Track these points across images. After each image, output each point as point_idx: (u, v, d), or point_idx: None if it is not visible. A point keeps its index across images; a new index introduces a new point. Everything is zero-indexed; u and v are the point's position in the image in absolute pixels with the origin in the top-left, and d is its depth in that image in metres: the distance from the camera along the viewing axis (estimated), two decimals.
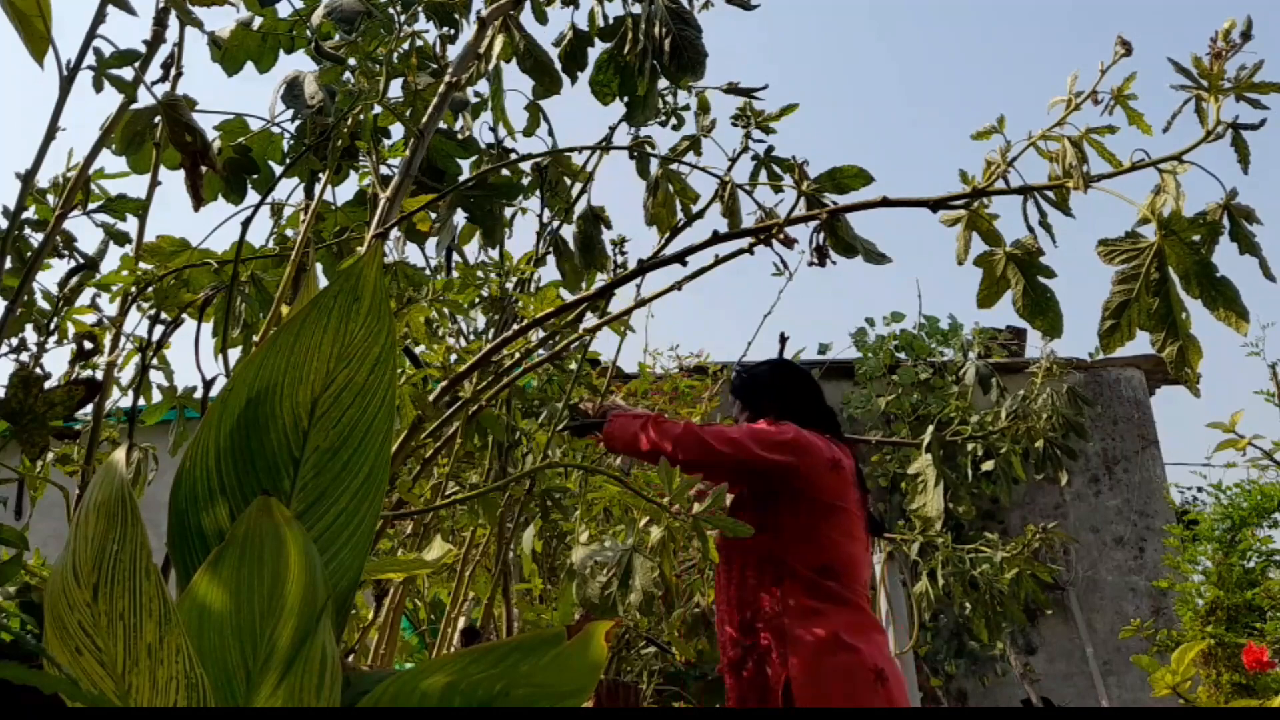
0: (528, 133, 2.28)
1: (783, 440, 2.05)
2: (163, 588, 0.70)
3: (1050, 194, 1.52)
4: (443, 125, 2.03)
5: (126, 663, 0.70)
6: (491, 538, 2.14)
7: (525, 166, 2.28)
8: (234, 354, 1.74)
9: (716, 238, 1.72)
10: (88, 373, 1.70)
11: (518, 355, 2.09)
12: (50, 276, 1.78)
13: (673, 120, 2.18)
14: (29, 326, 1.68)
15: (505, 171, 2.16)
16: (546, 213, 2.32)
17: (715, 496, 1.53)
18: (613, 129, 2.24)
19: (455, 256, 2.30)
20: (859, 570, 2.09)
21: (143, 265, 1.72)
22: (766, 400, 2.24)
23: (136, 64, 1.34)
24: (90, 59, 1.26)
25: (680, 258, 1.72)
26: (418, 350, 1.94)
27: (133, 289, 1.71)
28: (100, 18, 1.27)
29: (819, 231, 1.67)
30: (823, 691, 1.91)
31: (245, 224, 1.63)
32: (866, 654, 1.96)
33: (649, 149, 2.16)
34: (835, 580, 2.01)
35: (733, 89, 2.17)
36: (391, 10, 1.88)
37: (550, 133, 2.28)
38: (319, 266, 1.75)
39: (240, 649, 0.74)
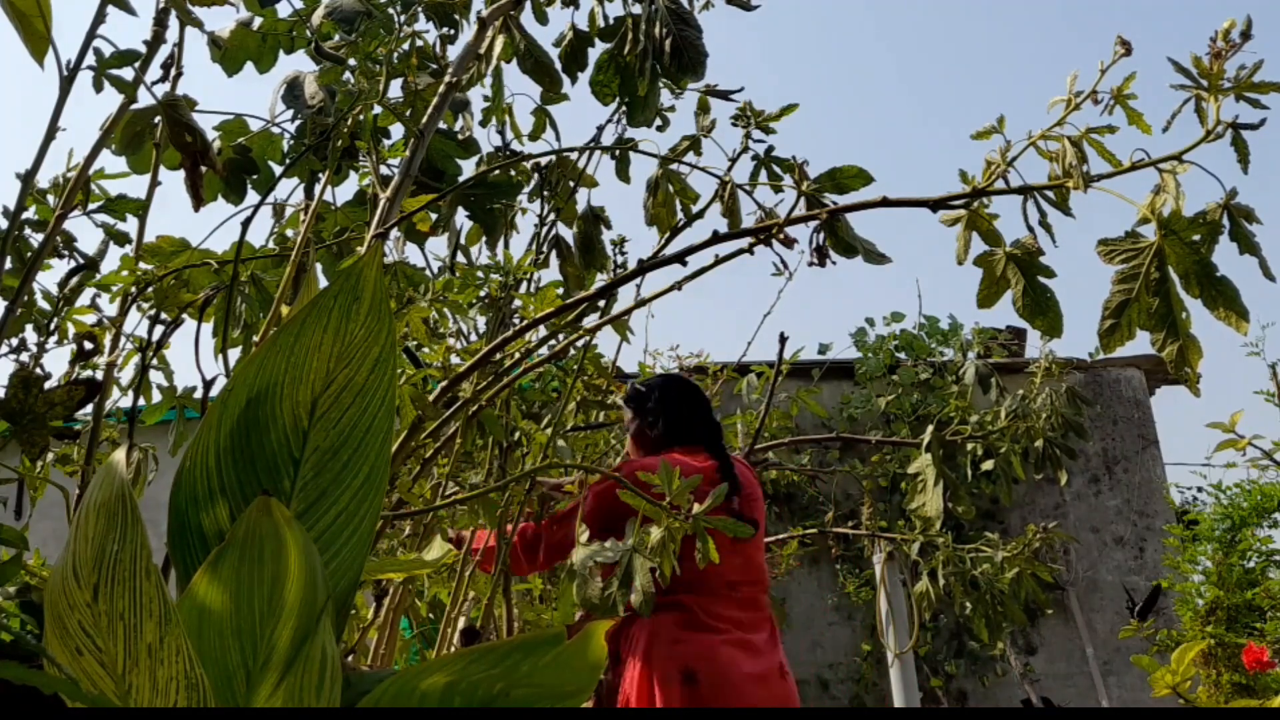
0: (534, 136, 2.29)
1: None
2: (163, 588, 0.70)
3: (1050, 194, 1.52)
4: (443, 125, 2.03)
5: (126, 663, 0.70)
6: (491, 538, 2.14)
7: (527, 166, 2.29)
8: (234, 354, 1.74)
9: (716, 238, 1.72)
10: (88, 373, 1.70)
11: (518, 355, 2.09)
12: (50, 276, 1.78)
13: (657, 121, 2.18)
14: (29, 326, 1.68)
15: (509, 171, 2.16)
16: (547, 214, 2.32)
17: (715, 496, 1.53)
18: (600, 129, 2.25)
19: (459, 256, 2.30)
20: (699, 580, 2.09)
21: (143, 265, 1.72)
22: (650, 410, 2.36)
23: (136, 64, 1.34)
24: (90, 59, 1.26)
25: (680, 258, 1.72)
26: (418, 350, 1.94)
27: (133, 289, 1.71)
28: (100, 18, 1.27)
29: (819, 231, 1.67)
30: (634, 685, 2.01)
31: (245, 224, 1.63)
32: (682, 651, 2.03)
33: (639, 148, 2.16)
34: (675, 593, 2.05)
35: (711, 91, 2.18)
36: (391, 10, 1.88)
37: (557, 136, 2.29)
38: (319, 266, 1.75)
39: (240, 649, 0.74)
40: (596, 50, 2.15)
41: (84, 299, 1.74)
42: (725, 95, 2.15)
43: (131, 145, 1.65)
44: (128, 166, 1.74)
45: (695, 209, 2.17)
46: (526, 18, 2.14)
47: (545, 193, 2.32)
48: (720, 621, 2.10)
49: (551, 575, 2.83)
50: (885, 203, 1.63)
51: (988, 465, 4.09)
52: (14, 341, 1.64)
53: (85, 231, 2.11)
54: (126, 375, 1.83)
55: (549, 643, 0.75)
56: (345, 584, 0.83)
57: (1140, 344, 1.46)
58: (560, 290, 2.05)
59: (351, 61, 1.85)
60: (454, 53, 2.00)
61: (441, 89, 1.84)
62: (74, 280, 1.70)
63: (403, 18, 1.88)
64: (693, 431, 2.35)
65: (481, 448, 2.13)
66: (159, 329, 1.78)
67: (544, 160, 2.27)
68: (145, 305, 1.74)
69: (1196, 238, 1.40)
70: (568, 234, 2.34)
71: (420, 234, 2.00)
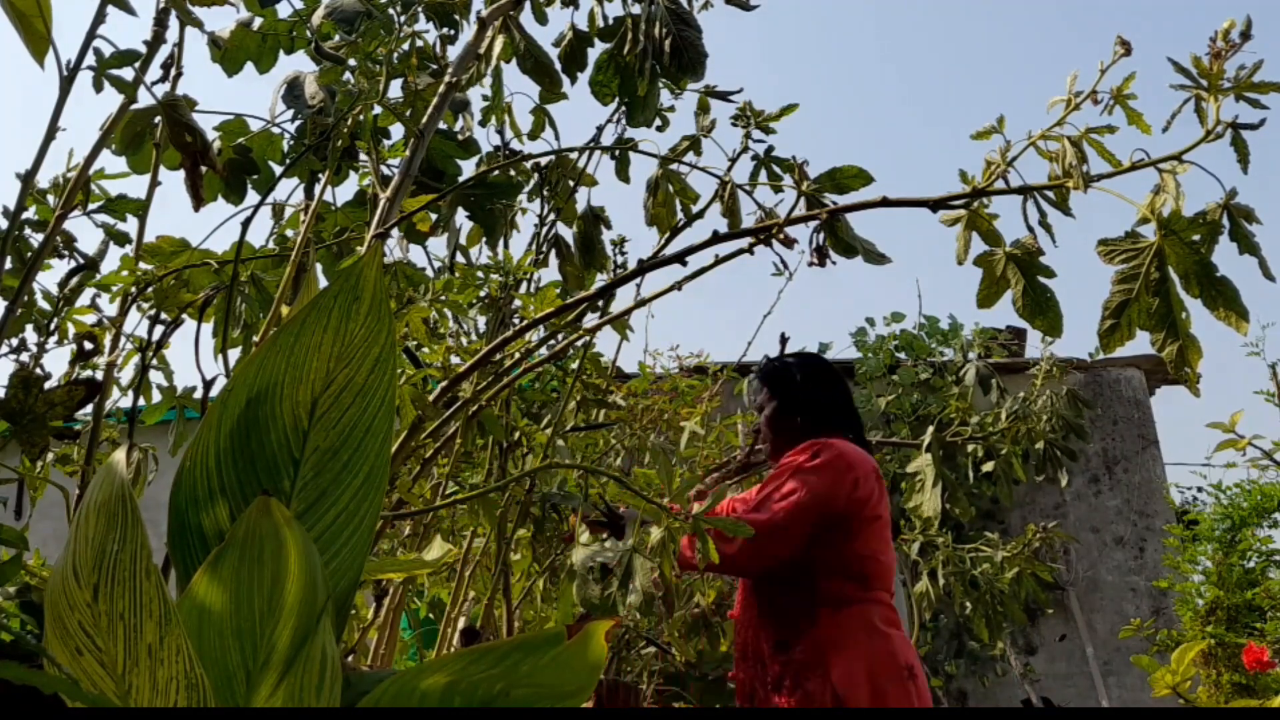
0: (533, 135, 2.28)
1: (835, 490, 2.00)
2: (163, 588, 0.70)
3: (1050, 194, 1.52)
4: (443, 125, 2.03)
5: (127, 663, 0.70)
6: (491, 538, 2.14)
7: (527, 166, 2.29)
8: (234, 354, 1.74)
9: (716, 238, 1.72)
10: (88, 373, 1.70)
11: (518, 355, 2.09)
12: (50, 276, 1.79)
13: (657, 121, 2.18)
14: (29, 326, 1.68)
15: (510, 171, 2.16)
16: (549, 214, 2.32)
17: (715, 497, 1.53)
18: (600, 129, 2.24)
19: (458, 256, 2.30)
20: (888, 574, 2.09)
21: (143, 265, 1.72)
22: (796, 394, 2.19)
23: (136, 64, 1.34)
24: (90, 59, 1.26)
25: (680, 258, 1.72)
26: (418, 350, 1.94)
27: (133, 289, 1.71)
28: (100, 18, 1.27)
29: (819, 231, 1.67)
30: (855, 680, 1.89)
31: (245, 224, 1.63)
32: (898, 646, 1.97)
33: (639, 149, 2.16)
34: (865, 583, 2.02)
35: (710, 92, 2.18)
36: (391, 10, 1.88)
37: (557, 136, 2.29)
38: (319, 266, 1.74)
39: (240, 649, 0.74)
40: (596, 50, 2.15)
41: (84, 299, 1.74)
42: (725, 96, 2.15)
43: (131, 145, 1.65)
44: (128, 166, 1.75)
45: (695, 209, 2.17)
46: (526, 18, 2.14)
47: (545, 193, 2.32)
48: (897, 617, 2.07)
49: (551, 575, 2.83)
50: (885, 203, 1.63)
51: (988, 467, 4.09)
52: (14, 341, 1.64)
53: (85, 231, 2.11)
54: (126, 375, 1.83)
55: (549, 643, 0.75)
56: (345, 584, 0.83)
57: (1140, 344, 1.46)
58: (560, 290, 2.05)
59: (351, 61, 1.84)
60: (454, 53, 2.00)
61: (441, 89, 1.84)
62: (74, 280, 1.70)
63: (403, 18, 1.88)
64: (841, 420, 2.20)
65: (481, 448, 2.13)
66: (159, 329, 1.78)
67: (544, 160, 2.27)
68: (145, 305, 1.74)
69: (1196, 238, 1.40)
70: (568, 234, 2.34)
71: (420, 234, 2.00)
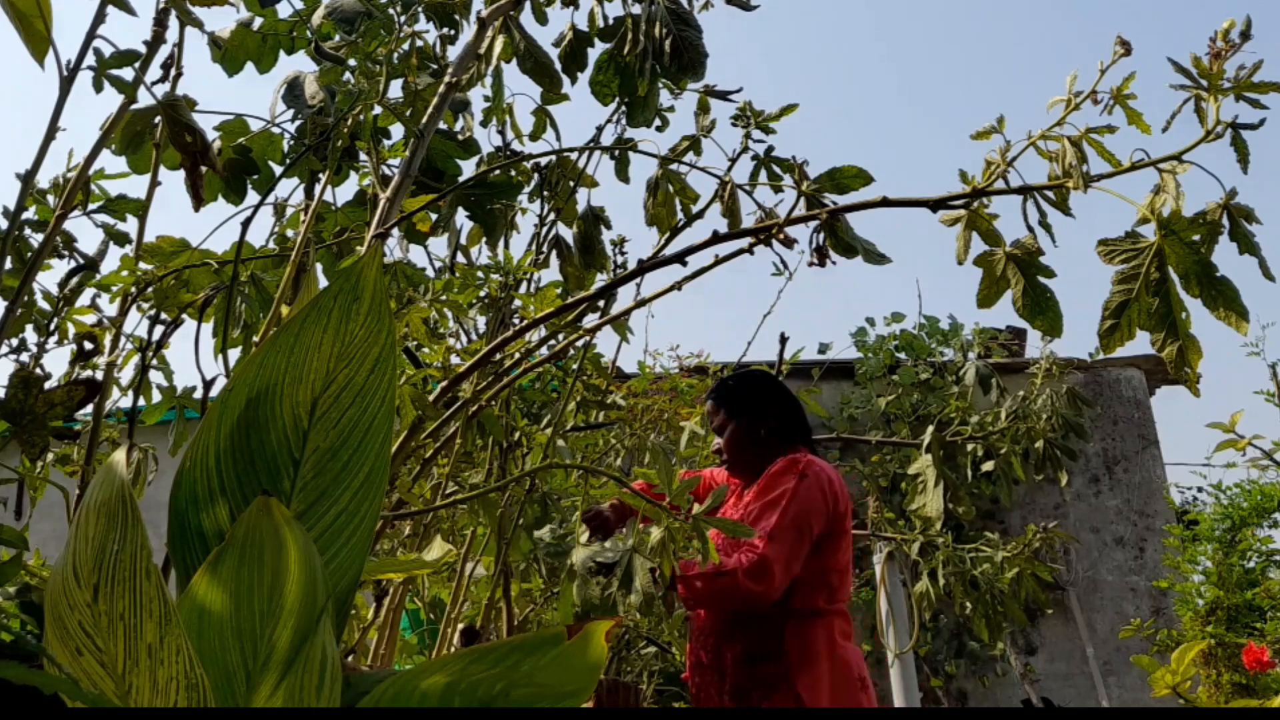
0: (534, 136, 2.28)
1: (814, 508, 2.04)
2: (163, 588, 0.70)
3: (1050, 194, 1.52)
4: (443, 125, 2.03)
5: (127, 663, 0.70)
6: (491, 538, 2.14)
7: (527, 167, 2.29)
8: (234, 354, 1.75)
9: (716, 238, 1.72)
10: (88, 373, 1.70)
11: (518, 355, 2.09)
12: (50, 277, 1.79)
13: (657, 121, 2.18)
14: (29, 326, 1.68)
15: (510, 171, 2.16)
16: (549, 214, 2.32)
17: (715, 497, 1.53)
18: (600, 129, 2.25)
19: (458, 256, 2.30)
20: (850, 584, 2.17)
21: (143, 265, 1.72)
22: (763, 416, 2.21)
23: (136, 64, 1.34)
24: (90, 59, 1.26)
25: (680, 258, 1.73)
26: (418, 350, 1.94)
27: (133, 289, 1.71)
28: (100, 18, 1.27)
29: (819, 232, 1.67)
30: (817, 694, 1.95)
31: (245, 224, 1.63)
32: (852, 658, 2.06)
33: (639, 149, 2.16)
34: (832, 595, 2.08)
35: (710, 92, 2.18)
36: (391, 10, 1.88)
37: (558, 137, 2.29)
38: (319, 266, 1.75)
39: (240, 649, 0.74)
40: (596, 50, 2.15)
41: (84, 299, 1.74)
42: (725, 95, 2.15)
43: (131, 145, 1.65)
44: (128, 166, 1.75)
45: (695, 209, 2.17)
46: (526, 18, 2.14)
47: (545, 193, 2.32)
48: (851, 628, 2.14)
49: (552, 575, 2.83)
50: (885, 203, 1.63)
51: (988, 466, 4.09)
52: (14, 341, 1.64)
53: (85, 231, 2.11)
54: (126, 375, 1.83)
55: (549, 643, 0.74)
56: (345, 584, 0.83)
57: (1140, 344, 1.46)
58: (560, 290, 2.06)
59: (351, 61, 1.85)
60: (454, 53, 2.00)
61: (441, 89, 1.84)
62: (74, 280, 1.70)
63: (403, 18, 1.88)
64: (798, 430, 2.24)
65: (481, 448, 2.13)
66: (159, 329, 1.78)
67: (544, 160, 2.27)
68: (145, 305, 1.74)
69: (1196, 238, 1.40)
70: (568, 234, 2.35)
71: (420, 234, 2.00)
